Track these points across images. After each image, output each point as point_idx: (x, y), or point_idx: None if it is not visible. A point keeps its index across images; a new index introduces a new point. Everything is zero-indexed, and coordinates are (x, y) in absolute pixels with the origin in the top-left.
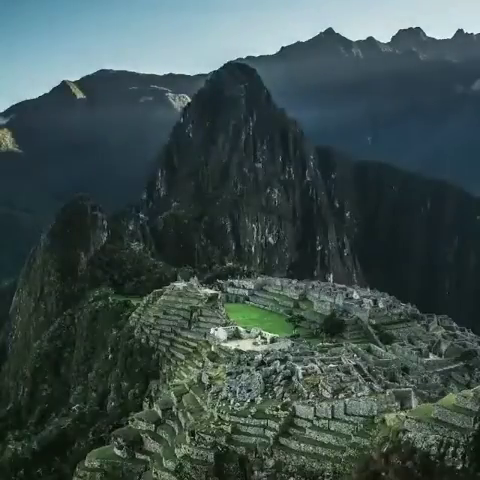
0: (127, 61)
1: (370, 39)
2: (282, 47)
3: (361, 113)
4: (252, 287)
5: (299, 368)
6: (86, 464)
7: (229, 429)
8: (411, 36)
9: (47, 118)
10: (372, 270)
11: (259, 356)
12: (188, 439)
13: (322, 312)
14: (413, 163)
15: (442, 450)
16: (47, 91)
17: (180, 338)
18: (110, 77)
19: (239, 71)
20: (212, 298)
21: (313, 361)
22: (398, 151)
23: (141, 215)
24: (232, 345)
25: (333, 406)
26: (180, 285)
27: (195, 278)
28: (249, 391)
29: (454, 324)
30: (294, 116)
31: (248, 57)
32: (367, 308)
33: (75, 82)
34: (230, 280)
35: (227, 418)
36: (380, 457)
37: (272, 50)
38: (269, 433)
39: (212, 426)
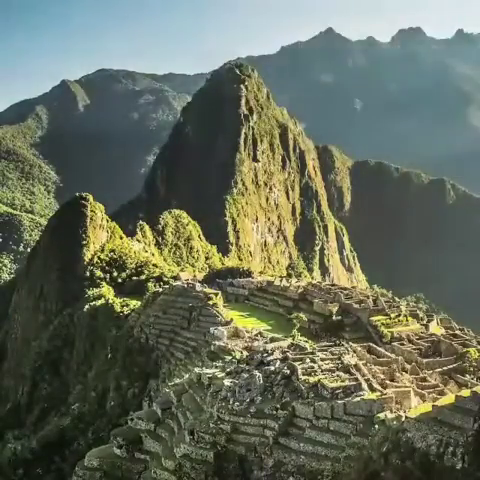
0: (127, 60)
1: (370, 39)
2: (282, 47)
3: (361, 111)
4: (252, 287)
5: (299, 367)
6: (85, 463)
7: (228, 428)
8: (411, 36)
9: (46, 117)
10: (372, 269)
11: (259, 355)
12: (187, 438)
13: (322, 312)
14: (414, 162)
15: (441, 450)
16: (47, 90)
17: (180, 337)
18: (110, 76)
19: (239, 70)
20: (212, 297)
21: (313, 360)
22: (398, 150)
23: (141, 215)
24: (232, 344)
25: (332, 406)
26: (180, 284)
27: (195, 277)
28: (248, 391)
29: (454, 323)
30: (294, 115)
31: (248, 57)
32: (367, 308)
33: (75, 81)
34: (230, 280)
35: (226, 417)
36: (379, 457)
37: (272, 50)
38: (268, 433)
39: (211, 425)
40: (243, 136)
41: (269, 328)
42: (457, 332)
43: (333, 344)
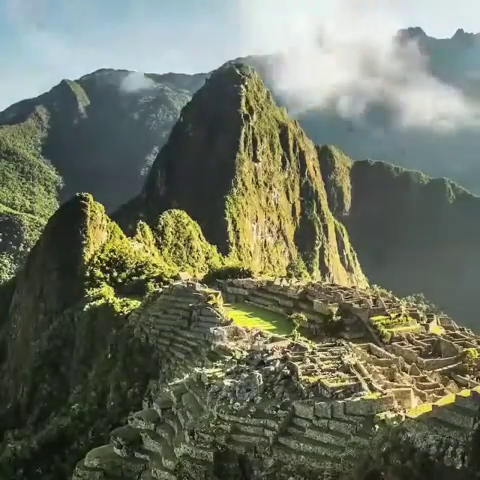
0: (127, 60)
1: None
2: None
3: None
4: (252, 287)
5: (299, 367)
6: (85, 463)
7: (228, 428)
8: (411, 35)
9: (46, 117)
10: (372, 269)
11: (258, 355)
12: (187, 438)
13: (322, 312)
14: (414, 162)
15: (441, 450)
16: (47, 90)
17: (180, 337)
18: (110, 76)
19: (239, 70)
20: (212, 297)
21: (313, 360)
22: (398, 150)
23: (141, 215)
24: (232, 344)
25: (332, 406)
26: (180, 284)
27: (195, 277)
28: (248, 390)
29: (454, 323)
30: (294, 115)
31: (248, 56)
32: (367, 308)
33: (75, 81)
34: (230, 280)
35: (226, 417)
36: (379, 457)
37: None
38: (268, 433)
39: (211, 425)
40: (243, 136)
41: (273, 328)
42: (457, 332)
43: (333, 344)
